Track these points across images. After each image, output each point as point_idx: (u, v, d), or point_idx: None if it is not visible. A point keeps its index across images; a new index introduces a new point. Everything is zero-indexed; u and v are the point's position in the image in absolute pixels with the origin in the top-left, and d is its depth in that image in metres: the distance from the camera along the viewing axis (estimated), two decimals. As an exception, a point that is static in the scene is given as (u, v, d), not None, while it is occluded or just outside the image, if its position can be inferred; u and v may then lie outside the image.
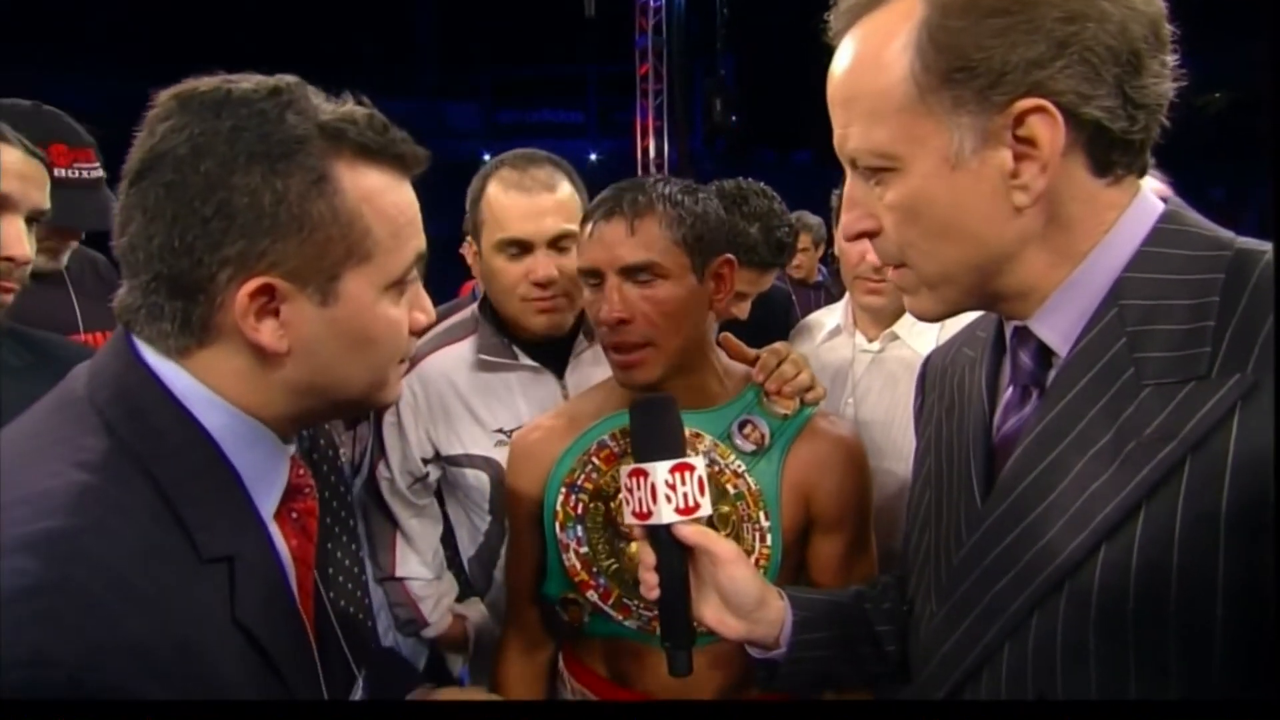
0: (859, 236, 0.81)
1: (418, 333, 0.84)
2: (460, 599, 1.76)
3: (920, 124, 0.72)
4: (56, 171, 1.70)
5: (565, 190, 1.52)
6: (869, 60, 0.74)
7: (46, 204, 1.35)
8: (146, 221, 0.70)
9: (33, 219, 1.32)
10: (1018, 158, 0.71)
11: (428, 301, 0.85)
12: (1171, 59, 0.72)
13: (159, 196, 0.70)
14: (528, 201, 1.49)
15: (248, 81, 0.74)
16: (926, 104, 0.71)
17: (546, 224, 1.48)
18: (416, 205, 0.82)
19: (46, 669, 0.54)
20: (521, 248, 1.49)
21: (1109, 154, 0.72)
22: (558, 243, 1.49)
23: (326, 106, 0.76)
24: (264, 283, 0.71)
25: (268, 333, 0.72)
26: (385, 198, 0.77)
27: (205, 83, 0.74)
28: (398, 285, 0.79)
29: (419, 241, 0.81)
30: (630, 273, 1.19)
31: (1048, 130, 0.69)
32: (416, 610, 1.67)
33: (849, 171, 0.80)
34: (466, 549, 1.70)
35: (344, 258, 0.74)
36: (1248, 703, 0.64)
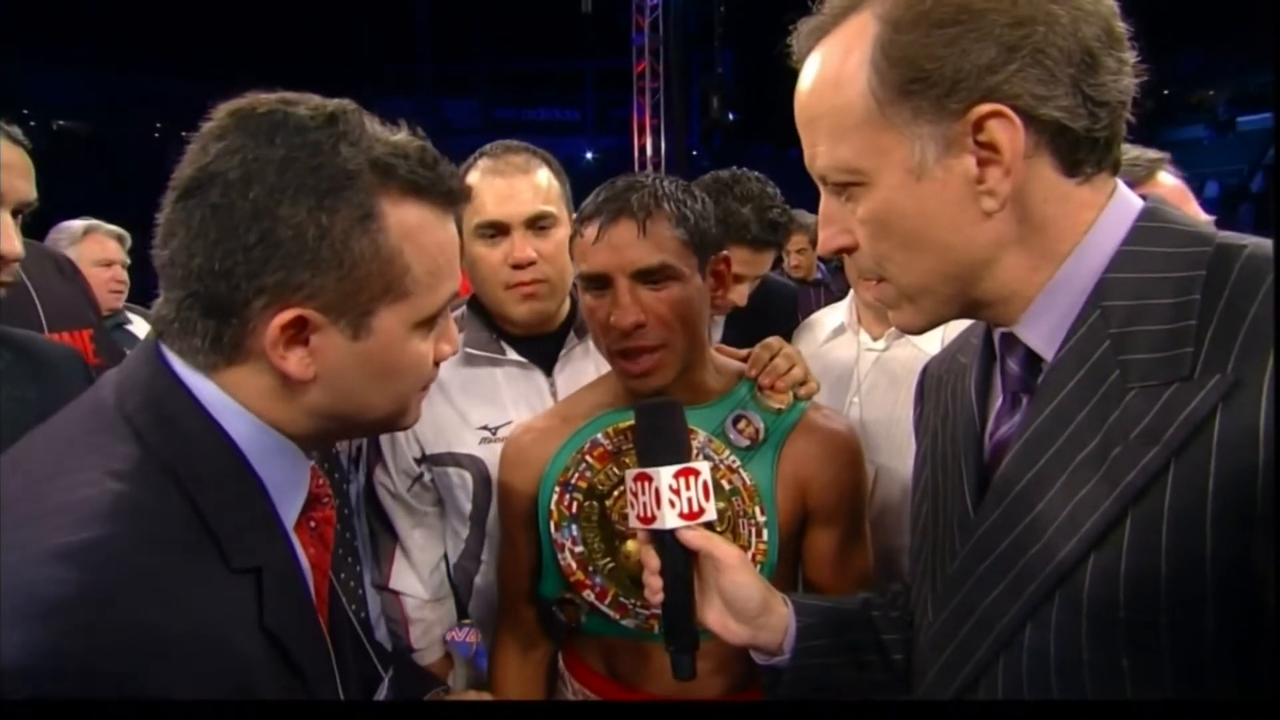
0: (836, 253, 0.82)
1: (441, 363, 0.85)
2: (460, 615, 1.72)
3: (882, 137, 0.73)
4: None
5: (542, 175, 1.51)
6: (829, 79, 0.76)
7: (33, 194, 1.31)
8: (189, 239, 0.70)
9: (18, 211, 1.29)
10: (981, 163, 0.71)
11: (455, 332, 0.86)
12: (1130, 55, 0.72)
13: (204, 217, 0.70)
14: (504, 184, 1.48)
15: (305, 105, 0.73)
16: (886, 117, 0.72)
17: (523, 205, 1.47)
18: (456, 243, 0.82)
19: (95, 679, 0.55)
20: (499, 230, 1.49)
21: (1075, 153, 0.72)
22: (535, 224, 1.48)
23: (381, 134, 0.75)
24: (297, 315, 0.71)
25: (295, 361, 0.73)
26: (428, 236, 0.76)
27: (262, 102, 0.73)
28: (429, 322, 0.79)
29: (455, 283, 0.81)
30: (643, 276, 1.16)
31: (1007, 134, 0.69)
32: (405, 630, 1.65)
33: (822, 189, 0.81)
34: (452, 554, 1.67)
35: (381, 294, 0.74)
36: (1247, 703, 0.63)
